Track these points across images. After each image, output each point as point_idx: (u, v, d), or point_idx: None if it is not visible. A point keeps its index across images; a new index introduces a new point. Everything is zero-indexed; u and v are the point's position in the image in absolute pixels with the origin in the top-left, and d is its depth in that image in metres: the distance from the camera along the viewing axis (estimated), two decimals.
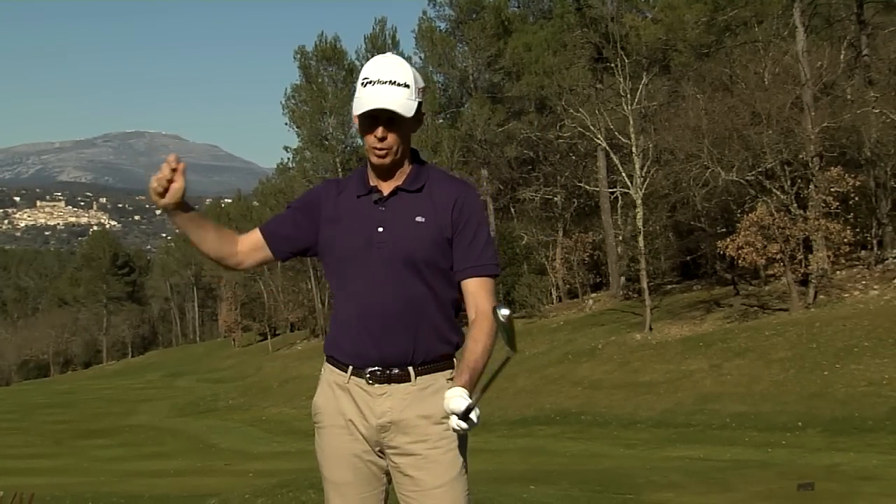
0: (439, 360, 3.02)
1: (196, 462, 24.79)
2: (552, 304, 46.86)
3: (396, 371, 2.97)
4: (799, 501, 11.43)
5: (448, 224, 3.00)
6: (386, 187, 3.03)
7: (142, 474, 22.17)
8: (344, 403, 3.03)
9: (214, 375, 63.25)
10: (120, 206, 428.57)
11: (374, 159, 2.98)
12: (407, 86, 2.91)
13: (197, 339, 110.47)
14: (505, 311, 2.72)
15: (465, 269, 3.03)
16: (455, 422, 2.79)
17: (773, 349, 24.76)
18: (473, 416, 2.77)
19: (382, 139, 2.93)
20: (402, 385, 2.98)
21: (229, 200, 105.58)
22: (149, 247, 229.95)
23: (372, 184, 3.05)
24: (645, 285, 32.73)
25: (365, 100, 2.90)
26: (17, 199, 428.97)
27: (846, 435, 18.17)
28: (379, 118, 2.91)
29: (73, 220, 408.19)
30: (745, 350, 25.48)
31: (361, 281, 2.98)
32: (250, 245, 3.12)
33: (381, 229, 2.97)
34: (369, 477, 3.04)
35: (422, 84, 2.99)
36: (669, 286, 42.54)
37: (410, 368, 2.98)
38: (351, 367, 3.01)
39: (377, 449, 3.03)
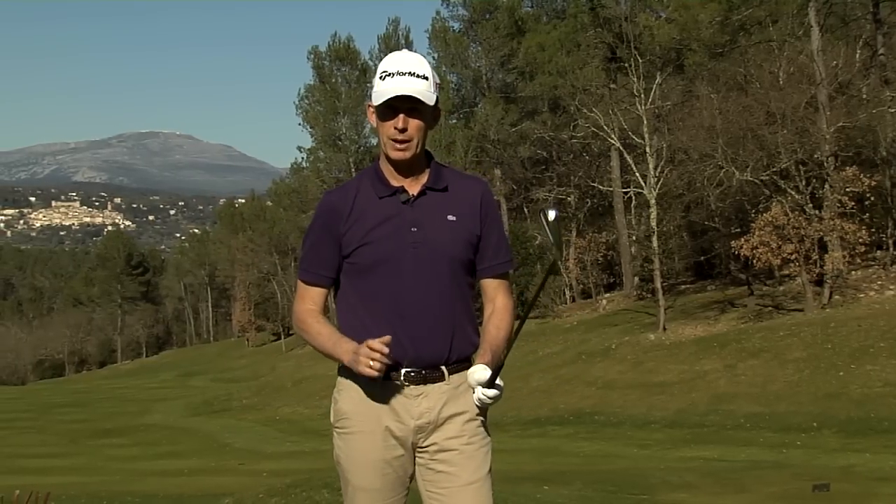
0: (466, 359, 3.02)
1: (210, 461, 24.83)
2: (566, 304, 46.80)
3: (432, 371, 2.94)
4: (814, 502, 11.38)
5: (477, 222, 3.01)
6: (412, 186, 2.99)
7: (156, 473, 22.23)
8: (376, 408, 2.97)
9: (228, 375, 63.42)
10: (134, 206, 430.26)
11: (394, 153, 2.93)
12: (426, 78, 2.90)
13: (211, 338, 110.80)
14: (552, 213, 2.75)
15: (488, 268, 3.05)
16: (480, 392, 2.86)
17: (788, 349, 24.65)
18: (499, 381, 2.84)
19: (403, 130, 2.89)
20: (437, 385, 2.95)
21: (243, 200, 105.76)
22: (163, 247, 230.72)
23: (394, 184, 2.99)
24: (659, 285, 32.65)
25: (385, 90, 2.88)
26: (33, 199, 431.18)
27: (862, 436, 18.07)
28: (399, 108, 2.89)
29: (87, 220, 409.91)
30: (760, 350, 25.38)
31: (396, 283, 2.93)
32: (322, 302, 3.11)
33: (414, 229, 2.94)
34: (395, 483, 3.00)
35: (438, 80, 2.98)
36: (683, 286, 42.43)
37: (444, 368, 2.96)
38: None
39: (410, 451, 3.00)
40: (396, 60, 2.93)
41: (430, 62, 2.95)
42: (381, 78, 2.91)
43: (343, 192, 3.05)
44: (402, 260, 2.93)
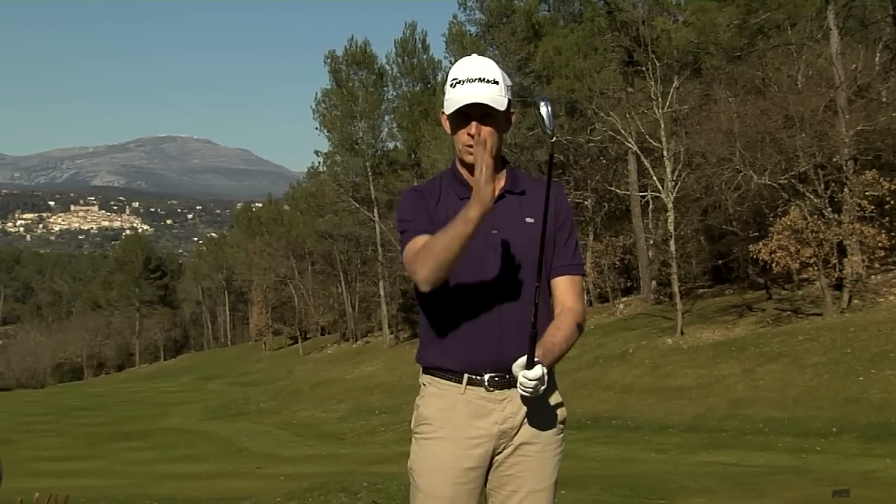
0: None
1: (227, 465, 24.92)
2: None
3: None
4: None
5: (553, 224, 3.00)
6: None
7: (174, 477, 22.32)
8: (459, 414, 2.96)
9: (245, 379, 63.59)
10: (152, 210, 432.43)
11: (469, 157, 2.94)
12: (496, 82, 2.92)
13: (228, 342, 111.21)
14: (543, 103, 2.79)
15: (558, 267, 3.04)
16: (521, 376, 2.73)
17: (807, 354, 24.50)
18: (539, 368, 2.71)
19: (476, 135, 2.90)
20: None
21: (260, 204, 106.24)
22: (181, 251, 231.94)
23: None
24: (676, 289, 32.50)
25: (456, 98, 2.90)
26: (52, 203, 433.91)
27: (882, 441, 17.93)
28: (471, 115, 2.90)
29: (106, 224, 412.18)
30: (779, 355, 25.23)
31: (479, 285, 2.92)
32: None
33: (494, 232, 2.94)
34: (468, 495, 2.98)
35: (509, 82, 3.00)
36: (701, 290, 42.27)
37: None
38: (467, 376, 2.95)
39: (487, 460, 2.98)
40: (466, 67, 2.94)
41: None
42: (451, 86, 2.94)
43: (428, 187, 3.08)
44: (484, 263, 2.93)
